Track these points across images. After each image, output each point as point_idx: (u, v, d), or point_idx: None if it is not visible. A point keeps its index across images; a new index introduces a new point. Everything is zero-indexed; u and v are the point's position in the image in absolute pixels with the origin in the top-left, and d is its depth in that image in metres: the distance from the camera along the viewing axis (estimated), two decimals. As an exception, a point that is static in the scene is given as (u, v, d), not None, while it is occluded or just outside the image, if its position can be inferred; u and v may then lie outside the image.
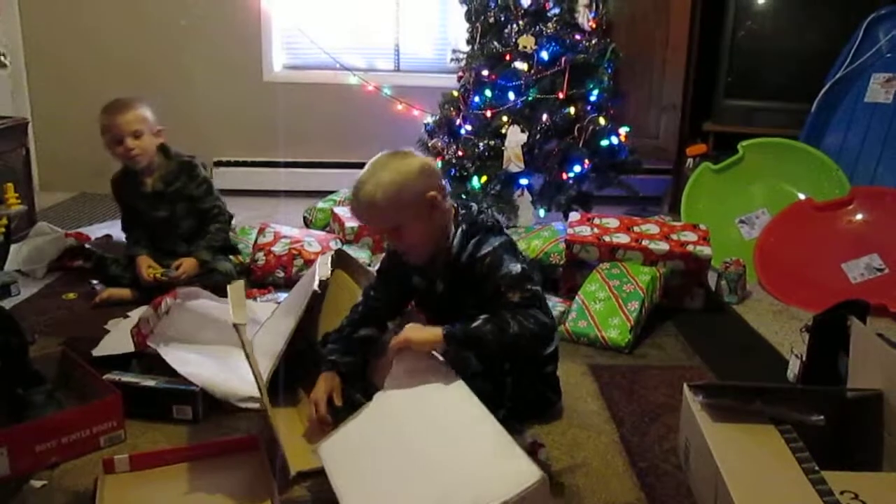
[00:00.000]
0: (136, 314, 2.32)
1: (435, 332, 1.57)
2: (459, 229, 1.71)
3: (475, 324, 1.57)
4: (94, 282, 2.63)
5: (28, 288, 2.67)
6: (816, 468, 1.35)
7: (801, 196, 3.10)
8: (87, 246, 2.96)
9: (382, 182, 1.59)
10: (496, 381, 1.70)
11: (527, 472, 1.24)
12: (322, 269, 1.97)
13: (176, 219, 2.64)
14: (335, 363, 1.74)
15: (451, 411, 1.46)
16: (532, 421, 1.81)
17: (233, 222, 2.85)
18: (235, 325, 1.51)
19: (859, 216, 2.91)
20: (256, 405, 1.80)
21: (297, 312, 1.79)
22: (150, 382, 1.81)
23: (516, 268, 1.64)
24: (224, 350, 1.94)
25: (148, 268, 2.52)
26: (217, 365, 1.88)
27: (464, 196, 3.33)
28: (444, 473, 1.34)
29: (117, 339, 2.11)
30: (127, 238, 2.70)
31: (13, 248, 2.88)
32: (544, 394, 1.87)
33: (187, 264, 2.53)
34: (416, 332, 1.58)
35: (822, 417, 1.48)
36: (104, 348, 2.05)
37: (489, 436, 1.37)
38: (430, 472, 1.35)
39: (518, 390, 1.75)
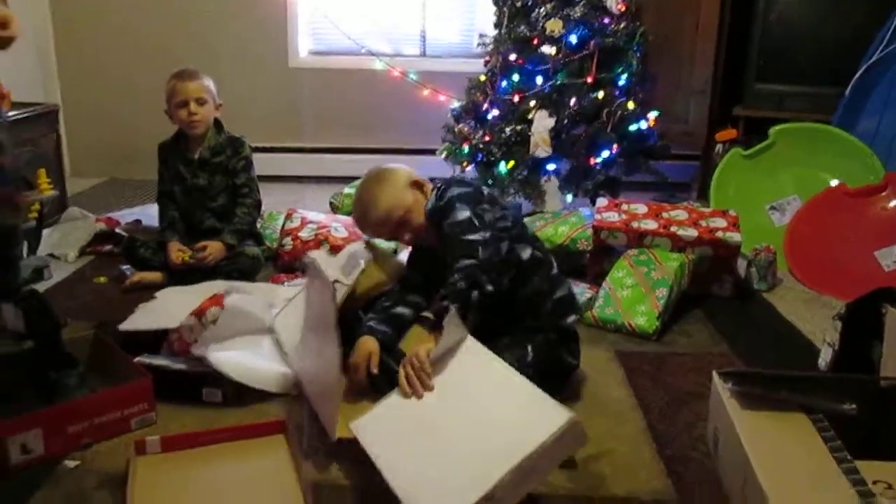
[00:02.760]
0: (162, 294, 2.32)
1: (425, 335, 1.61)
2: (433, 192, 1.85)
3: (446, 288, 1.61)
4: (125, 266, 2.66)
5: (60, 272, 2.71)
6: (848, 457, 1.34)
7: (834, 182, 3.05)
8: (116, 231, 3.00)
9: (376, 201, 1.82)
10: (518, 350, 1.74)
11: (558, 416, 1.31)
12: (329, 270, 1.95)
13: (212, 190, 2.69)
14: (372, 329, 1.77)
15: (478, 373, 1.52)
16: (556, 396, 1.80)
17: (261, 209, 2.86)
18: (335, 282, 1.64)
19: (893, 203, 2.85)
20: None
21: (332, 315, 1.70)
22: (181, 365, 1.83)
23: (461, 216, 1.70)
24: (259, 340, 1.98)
25: (177, 252, 2.55)
26: (260, 358, 1.91)
27: (490, 181, 3.32)
28: (480, 430, 1.39)
29: (146, 314, 2.13)
30: (160, 214, 2.74)
31: (45, 232, 2.93)
32: (563, 359, 1.87)
33: (213, 247, 2.55)
34: (417, 345, 1.59)
35: (854, 406, 1.46)
36: (132, 323, 2.06)
37: (517, 387, 1.44)
38: (465, 431, 1.40)
39: (539, 355, 1.77)
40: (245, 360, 1.87)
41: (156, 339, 1.96)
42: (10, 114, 2.76)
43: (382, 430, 1.51)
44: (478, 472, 1.29)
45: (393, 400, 1.56)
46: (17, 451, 1.55)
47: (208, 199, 2.70)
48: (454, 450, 1.39)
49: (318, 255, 2.30)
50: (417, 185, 1.87)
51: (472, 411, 1.45)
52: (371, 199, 1.84)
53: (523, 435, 1.31)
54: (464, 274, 1.60)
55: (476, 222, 1.69)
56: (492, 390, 1.47)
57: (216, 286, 2.16)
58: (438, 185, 1.87)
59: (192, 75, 2.61)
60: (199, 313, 1.88)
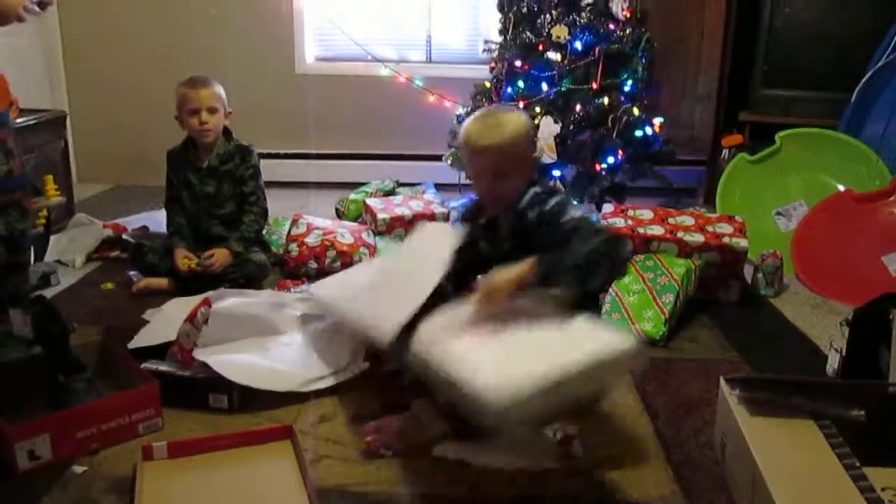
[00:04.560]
0: (168, 306, 2.35)
1: (522, 264, 1.61)
2: (531, 189, 1.80)
3: (563, 253, 1.62)
4: (132, 272, 2.67)
5: (67, 278, 2.72)
6: (857, 464, 1.33)
7: (841, 187, 3.04)
8: (123, 237, 3.01)
9: (512, 126, 1.75)
10: None
11: (627, 337, 1.46)
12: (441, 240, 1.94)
13: (220, 197, 2.70)
14: None
15: (548, 313, 1.57)
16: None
17: (267, 217, 2.87)
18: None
19: (901, 208, 2.85)
20: (307, 388, 1.87)
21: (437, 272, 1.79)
22: (187, 372, 1.83)
23: (577, 212, 1.73)
24: (261, 342, 1.99)
25: (184, 258, 2.55)
26: (263, 359, 1.92)
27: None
28: (550, 341, 1.48)
29: (151, 330, 2.14)
30: (167, 220, 2.75)
31: (53, 238, 2.94)
32: None
33: (220, 255, 2.56)
34: (498, 273, 1.61)
35: (862, 412, 1.46)
36: (139, 341, 2.07)
37: (583, 321, 1.54)
38: (534, 340, 1.49)
39: None
40: (247, 361, 1.87)
41: (162, 346, 1.96)
42: (19, 120, 2.77)
43: (446, 329, 1.57)
44: (549, 364, 1.34)
45: (460, 310, 1.62)
46: (26, 456, 1.55)
47: (216, 206, 2.71)
48: (521, 349, 1.46)
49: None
50: (535, 159, 1.87)
51: (537, 330, 1.52)
52: (504, 120, 1.77)
53: (585, 346, 1.40)
54: (598, 253, 1.61)
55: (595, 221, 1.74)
56: (558, 322, 1.54)
57: (222, 293, 2.17)
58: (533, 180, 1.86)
59: (205, 83, 2.61)
60: (191, 318, 1.90)
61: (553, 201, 1.75)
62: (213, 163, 2.68)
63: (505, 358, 1.42)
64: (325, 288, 2.17)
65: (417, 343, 1.57)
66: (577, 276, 1.59)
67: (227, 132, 2.70)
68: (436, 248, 1.85)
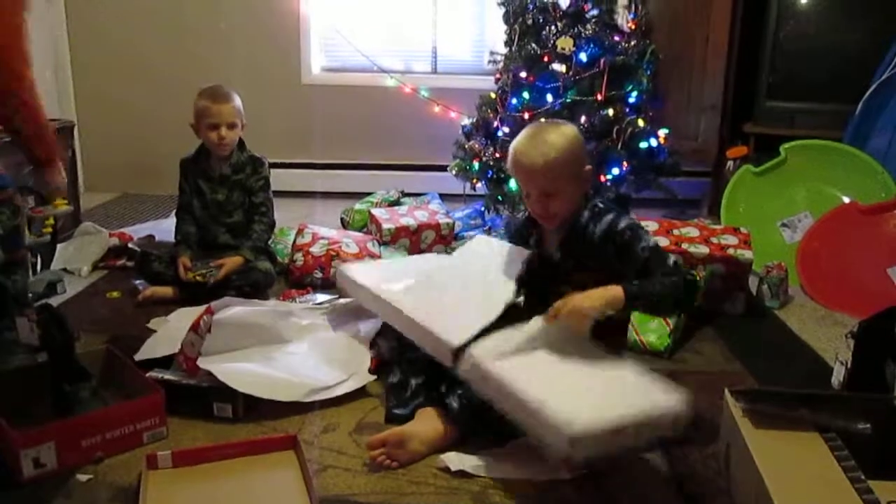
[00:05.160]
0: (174, 317, 2.36)
1: (609, 291, 1.65)
2: (591, 203, 1.82)
3: (645, 283, 1.68)
4: (138, 281, 2.67)
5: (73, 286, 2.73)
6: (862, 477, 1.33)
7: (846, 199, 3.04)
8: (130, 245, 3.02)
9: (557, 145, 1.72)
10: None
11: (675, 396, 1.49)
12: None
13: (230, 206, 2.71)
14: None
15: (596, 353, 1.66)
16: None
17: (274, 229, 2.87)
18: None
19: (906, 220, 2.84)
20: (311, 398, 1.87)
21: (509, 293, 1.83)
22: (192, 380, 1.84)
23: (651, 241, 1.76)
24: (266, 351, 1.99)
25: (185, 269, 2.56)
26: (267, 369, 1.92)
27: (500, 198, 3.32)
28: (605, 383, 1.54)
29: (157, 342, 2.15)
30: (176, 228, 2.75)
31: (59, 247, 2.95)
32: None
33: (231, 262, 2.57)
34: (585, 297, 1.64)
35: (868, 425, 1.45)
36: (145, 353, 2.07)
37: (636, 370, 1.61)
38: (592, 378, 1.55)
39: None
40: (252, 371, 1.88)
41: (168, 355, 1.97)
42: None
43: (513, 344, 1.63)
44: (613, 407, 1.40)
45: (511, 333, 1.66)
46: (31, 464, 1.55)
47: (224, 214, 2.72)
48: (584, 386, 1.51)
49: None
50: (588, 173, 1.81)
51: (598, 369, 1.59)
52: (552, 138, 1.73)
53: (653, 397, 1.46)
54: (671, 286, 1.68)
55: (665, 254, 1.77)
56: (615, 364, 1.63)
57: (227, 302, 2.18)
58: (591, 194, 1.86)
59: (226, 97, 2.60)
60: (194, 327, 1.91)
61: (623, 223, 1.76)
62: (225, 171, 2.70)
63: (576, 389, 1.48)
64: (361, 274, 2.18)
65: (482, 354, 1.60)
66: (652, 308, 1.74)
67: (240, 143, 2.72)
68: (503, 263, 1.86)
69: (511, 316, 1.72)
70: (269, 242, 2.86)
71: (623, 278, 1.70)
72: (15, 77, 1.86)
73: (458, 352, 1.65)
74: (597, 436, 1.35)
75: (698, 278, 2.40)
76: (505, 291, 1.77)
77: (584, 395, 1.47)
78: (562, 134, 1.75)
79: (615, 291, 1.65)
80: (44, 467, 1.57)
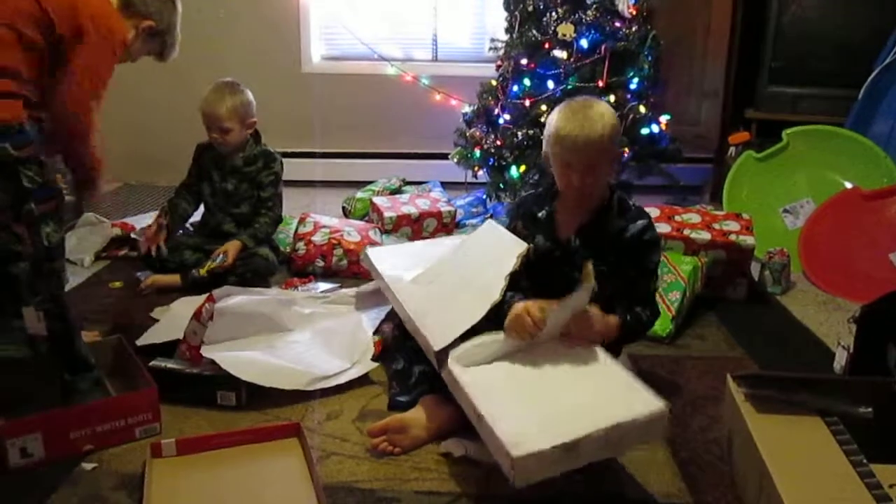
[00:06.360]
0: (177, 305, 2.37)
1: (610, 325, 1.71)
2: (616, 194, 1.82)
3: (635, 320, 1.75)
4: (139, 273, 2.67)
5: (76, 277, 2.73)
6: (864, 461, 1.33)
7: (848, 185, 3.03)
8: (132, 235, 3.02)
9: (607, 120, 1.73)
10: None
11: (653, 402, 1.45)
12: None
13: (237, 196, 2.72)
14: None
15: (579, 352, 1.65)
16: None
17: (279, 224, 2.86)
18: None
19: (908, 205, 2.84)
20: (314, 387, 1.87)
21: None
22: (195, 369, 1.85)
23: (658, 258, 1.81)
24: (269, 340, 2.00)
25: (153, 232, 2.59)
26: (271, 357, 1.93)
27: (502, 185, 3.32)
28: (574, 393, 1.52)
29: (160, 328, 2.16)
30: (169, 201, 2.73)
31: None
32: None
33: (233, 248, 2.57)
34: (599, 323, 1.69)
35: (869, 409, 1.46)
36: (148, 338, 2.08)
37: (616, 371, 1.59)
38: (559, 390, 1.53)
39: None
40: (255, 359, 1.88)
41: (171, 344, 1.97)
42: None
43: (477, 362, 1.63)
44: (568, 423, 1.38)
45: (491, 338, 1.67)
46: (17, 453, 1.56)
47: (232, 204, 2.72)
48: (547, 399, 1.50)
49: None
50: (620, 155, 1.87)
51: (569, 376, 1.58)
52: (598, 114, 1.72)
53: (615, 408, 1.41)
54: (648, 325, 1.79)
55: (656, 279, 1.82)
56: (591, 368, 1.61)
57: (228, 291, 2.18)
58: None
59: (219, 101, 2.59)
60: (197, 316, 1.92)
61: (652, 233, 1.79)
62: (237, 162, 2.70)
63: (531, 405, 1.47)
64: (381, 259, 2.21)
65: (455, 360, 1.61)
66: (620, 340, 1.78)
67: (256, 135, 2.73)
68: (501, 256, 1.82)
69: (503, 313, 1.70)
70: (274, 240, 2.85)
71: (620, 277, 1.74)
72: (87, 146, 2.11)
73: (441, 354, 1.66)
74: (544, 457, 1.33)
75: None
76: (494, 289, 1.73)
77: (544, 410, 1.45)
78: (606, 108, 1.77)
79: (612, 326, 1.72)
80: (31, 457, 1.57)
